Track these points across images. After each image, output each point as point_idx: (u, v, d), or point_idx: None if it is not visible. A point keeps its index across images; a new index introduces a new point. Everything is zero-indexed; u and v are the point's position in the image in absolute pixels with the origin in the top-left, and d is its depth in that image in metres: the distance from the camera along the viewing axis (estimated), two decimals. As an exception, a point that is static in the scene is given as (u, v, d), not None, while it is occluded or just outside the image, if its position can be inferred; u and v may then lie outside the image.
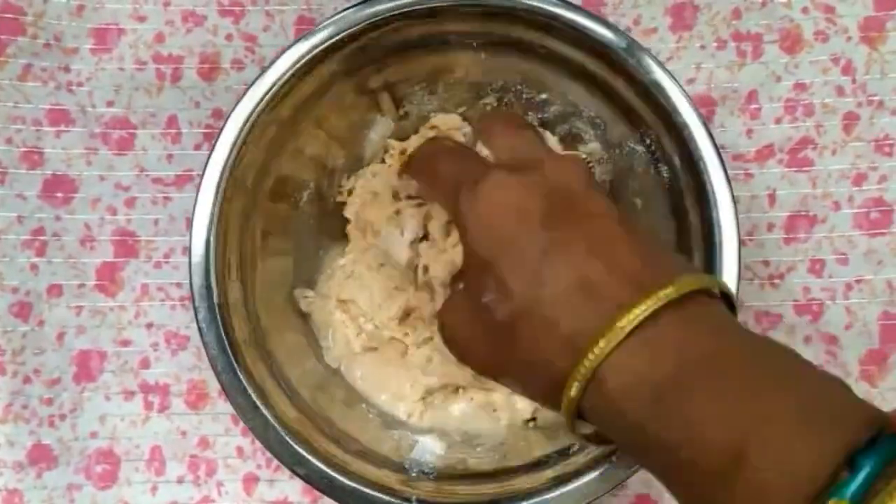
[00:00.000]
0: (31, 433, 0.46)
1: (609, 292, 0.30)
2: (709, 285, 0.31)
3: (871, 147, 0.47)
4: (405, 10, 0.40)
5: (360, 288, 0.45)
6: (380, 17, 0.40)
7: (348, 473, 0.39)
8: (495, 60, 0.43)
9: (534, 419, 0.44)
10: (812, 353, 0.46)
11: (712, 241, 0.39)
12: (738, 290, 0.38)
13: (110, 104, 0.48)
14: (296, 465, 0.39)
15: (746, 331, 0.31)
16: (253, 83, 0.40)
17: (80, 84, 0.48)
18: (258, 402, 0.39)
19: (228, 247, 0.40)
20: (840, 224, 0.47)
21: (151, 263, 0.47)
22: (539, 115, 0.45)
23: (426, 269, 0.42)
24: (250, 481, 0.47)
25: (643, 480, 0.45)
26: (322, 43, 0.40)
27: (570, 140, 0.46)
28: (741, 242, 0.39)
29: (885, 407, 0.45)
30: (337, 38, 0.40)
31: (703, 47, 0.47)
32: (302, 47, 0.40)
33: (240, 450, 0.47)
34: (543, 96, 0.44)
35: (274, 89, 0.40)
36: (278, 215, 0.44)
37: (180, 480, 0.47)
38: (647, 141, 0.41)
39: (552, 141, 0.45)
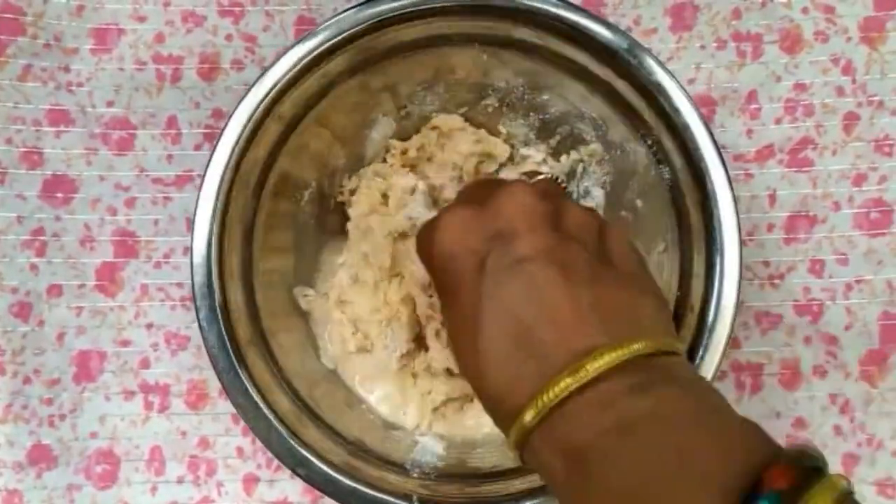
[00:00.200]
0: (31, 433, 0.46)
1: (541, 353, 0.30)
2: (634, 353, 0.30)
3: (871, 147, 0.47)
4: (406, 10, 0.40)
5: (358, 294, 0.45)
6: (381, 18, 0.40)
7: (349, 474, 0.39)
8: (496, 61, 0.43)
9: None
10: (812, 354, 0.46)
11: (713, 242, 0.39)
12: (739, 289, 0.38)
13: (110, 104, 0.48)
14: (297, 466, 0.39)
15: (659, 386, 0.29)
16: (254, 84, 0.40)
17: (79, 84, 0.48)
18: (259, 402, 0.39)
19: (230, 246, 0.40)
20: (840, 224, 0.47)
21: (151, 264, 0.47)
22: (540, 116, 0.45)
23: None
24: (250, 481, 0.47)
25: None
26: (323, 44, 0.40)
27: (571, 141, 0.46)
28: (742, 242, 0.39)
29: (886, 407, 0.46)
30: (337, 38, 0.40)
31: (703, 47, 0.47)
32: (303, 48, 0.40)
33: (240, 450, 0.47)
34: (544, 97, 0.44)
35: (275, 90, 0.40)
36: (279, 215, 0.44)
37: (180, 481, 0.47)
38: (648, 141, 0.41)
39: (536, 153, 0.46)
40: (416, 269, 0.43)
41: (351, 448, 0.41)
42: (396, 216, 0.45)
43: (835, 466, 0.46)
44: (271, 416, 0.39)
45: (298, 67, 0.40)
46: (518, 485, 0.40)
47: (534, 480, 0.39)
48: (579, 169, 0.46)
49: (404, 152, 0.46)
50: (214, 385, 0.46)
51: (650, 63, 0.39)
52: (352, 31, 0.40)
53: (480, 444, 0.44)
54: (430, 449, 0.43)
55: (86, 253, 0.47)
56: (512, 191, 0.33)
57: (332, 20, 0.40)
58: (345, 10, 0.40)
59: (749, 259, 0.46)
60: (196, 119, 0.48)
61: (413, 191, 0.45)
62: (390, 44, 0.41)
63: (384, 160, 0.46)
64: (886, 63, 0.47)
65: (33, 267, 0.47)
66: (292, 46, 0.40)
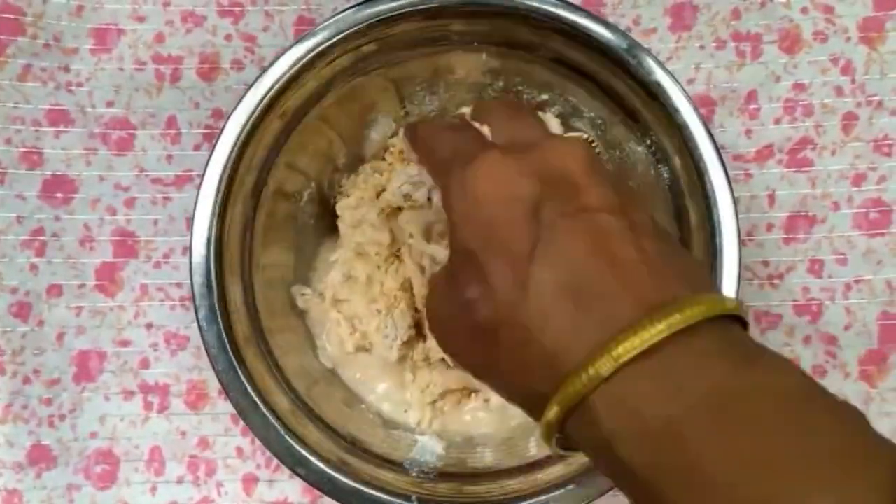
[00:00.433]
0: (31, 433, 0.46)
1: (606, 306, 0.26)
2: (725, 310, 0.26)
3: (870, 147, 0.47)
4: (406, 10, 0.40)
5: (352, 292, 0.45)
6: (380, 18, 0.40)
7: (348, 473, 0.39)
8: (496, 60, 0.43)
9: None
10: (811, 354, 0.46)
11: (712, 242, 0.39)
12: (738, 290, 0.38)
13: (110, 104, 0.48)
14: (296, 465, 0.39)
15: (762, 357, 0.26)
16: (253, 83, 0.40)
17: (79, 84, 0.48)
18: (259, 402, 0.39)
19: (229, 246, 0.40)
20: (839, 224, 0.47)
21: (151, 264, 0.47)
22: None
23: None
24: (250, 481, 0.47)
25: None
26: (322, 43, 0.40)
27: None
28: (741, 242, 0.39)
29: (885, 407, 0.46)
30: (337, 38, 0.40)
31: (702, 47, 0.47)
32: (302, 48, 0.40)
33: (239, 450, 0.47)
34: (544, 97, 0.44)
35: (275, 90, 0.40)
36: (279, 215, 0.44)
37: (180, 481, 0.47)
38: (648, 141, 0.41)
39: (554, 124, 0.44)
40: (414, 242, 0.42)
41: (350, 447, 0.41)
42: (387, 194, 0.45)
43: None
44: (270, 416, 0.39)
45: (298, 67, 0.40)
46: (518, 484, 0.40)
47: (535, 480, 0.39)
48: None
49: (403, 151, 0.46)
50: (214, 385, 0.46)
51: (649, 63, 0.39)
52: (351, 30, 0.40)
53: (480, 444, 0.44)
54: (430, 448, 0.43)
55: (85, 253, 0.47)
56: (564, 141, 0.31)
57: (332, 20, 0.40)
58: (344, 10, 0.40)
59: (748, 259, 0.46)
60: (196, 119, 0.48)
61: (414, 182, 0.45)
62: (390, 44, 0.41)
63: (383, 158, 0.47)
64: (886, 63, 0.47)
65: (33, 267, 0.47)
66: (292, 46, 0.40)
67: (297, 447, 0.39)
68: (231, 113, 0.40)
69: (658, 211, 0.42)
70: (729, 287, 0.38)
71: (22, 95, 0.47)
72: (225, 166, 0.40)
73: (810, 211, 0.47)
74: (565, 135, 0.37)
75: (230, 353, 0.39)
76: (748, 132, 0.47)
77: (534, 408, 0.28)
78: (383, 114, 0.45)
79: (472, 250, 0.29)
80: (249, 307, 0.41)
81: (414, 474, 0.41)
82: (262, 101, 0.40)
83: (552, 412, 0.26)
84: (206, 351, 0.39)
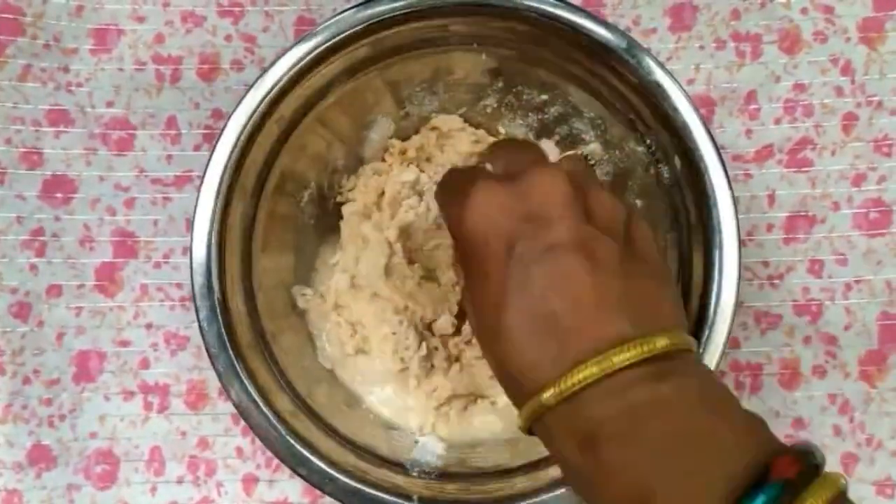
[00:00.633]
0: (31, 433, 0.46)
1: (561, 341, 0.30)
2: (652, 352, 0.30)
3: (870, 147, 0.47)
4: (405, 10, 0.40)
5: (356, 300, 0.45)
6: (380, 18, 0.40)
7: (349, 473, 0.39)
8: (495, 61, 0.43)
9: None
10: (811, 354, 0.46)
11: (712, 242, 0.39)
12: (738, 289, 0.38)
13: (110, 105, 0.48)
14: (297, 465, 0.39)
15: (672, 374, 0.30)
16: (253, 84, 0.40)
17: (79, 84, 0.48)
18: (259, 402, 0.39)
19: (229, 247, 0.40)
20: (839, 224, 0.47)
21: (151, 264, 0.47)
22: (539, 116, 0.45)
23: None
24: (250, 481, 0.47)
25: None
26: (322, 44, 0.40)
27: (571, 141, 0.46)
28: (741, 243, 0.39)
29: (885, 407, 0.46)
30: (337, 39, 0.40)
31: (702, 48, 0.47)
32: (302, 48, 0.40)
33: (239, 450, 0.47)
34: (544, 97, 0.44)
35: (275, 90, 0.40)
36: (279, 215, 0.44)
37: (180, 481, 0.47)
38: (648, 141, 0.41)
39: (552, 152, 0.45)
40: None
41: (351, 447, 0.41)
42: (392, 217, 0.45)
43: (834, 466, 0.46)
44: (271, 416, 0.39)
45: (298, 68, 0.40)
46: (518, 484, 0.40)
47: (538, 478, 0.39)
48: (579, 169, 0.46)
49: (403, 152, 0.46)
50: (214, 385, 0.46)
51: (649, 63, 0.39)
52: (351, 31, 0.40)
53: (481, 444, 0.44)
54: (431, 449, 0.43)
55: (85, 253, 0.47)
56: (546, 173, 0.33)
57: (332, 20, 0.40)
58: (344, 11, 0.40)
59: (748, 259, 0.46)
60: (196, 119, 0.48)
61: (414, 185, 0.45)
62: (389, 44, 0.41)
63: (383, 160, 0.47)
64: (885, 63, 0.47)
65: (33, 267, 0.47)
66: (292, 47, 0.40)
67: (298, 447, 0.39)
68: (231, 113, 0.40)
69: (657, 211, 0.42)
70: (729, 287, 0.38)
71: (22, 96, 0.47)
72: (225, 167, 0.40)
73: (810, 211, 0.47)
74: (553, 162, 0.38)
75: (231, 353, 0.39)
76: (748, 132, 0.47)
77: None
78: (383, 114, 0.45)
79: (466, 281, 0.34)
80: (250, 308, 0.41)
81: (415, 474, 0.41)
82: (262, 101, 0.40)
83: (520, 420, 0.32)
84: (207, 351, 0.39)
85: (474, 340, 0.44)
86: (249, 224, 0.42)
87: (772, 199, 0.47)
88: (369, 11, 0.40)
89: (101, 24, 0.48)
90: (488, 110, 0.46)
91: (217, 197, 0.39)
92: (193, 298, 0.39)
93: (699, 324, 0.38)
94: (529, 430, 0.32)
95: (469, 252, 0.33)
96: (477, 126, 0.47)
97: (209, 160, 0.40)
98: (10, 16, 0.47)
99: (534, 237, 0.32)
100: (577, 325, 0.30)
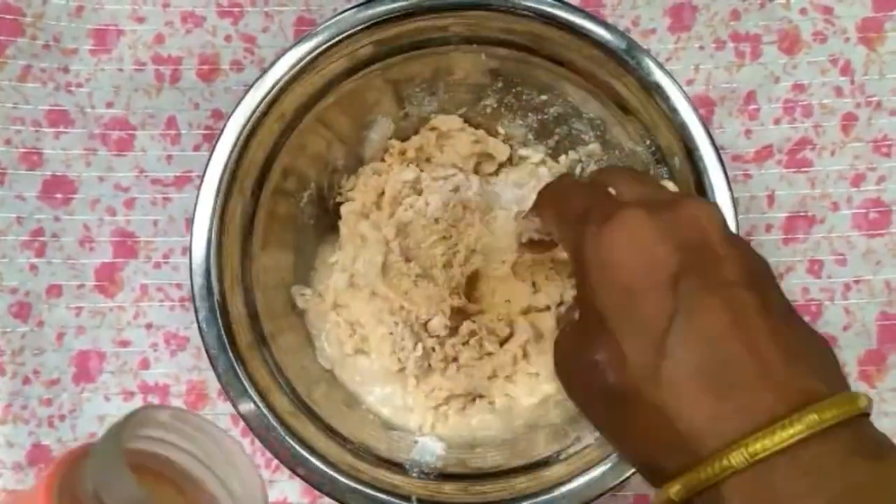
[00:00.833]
0: (31, 434, 0.46)
1: (743, 397, 0.26)
2: (858, 411, 0.27)
3: (869, 148, 0.47)
4: (405, 11, 0.40)
5: (355, 299, 0.45)
6: (380, 19, 0.40)
7: (348, 473, 0.39)
8: (495, 61, 0.43)
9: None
10: (811, 354, 0.46)
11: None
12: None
13: (109, 105, 0.48)
14: (296, 465, 0.39)
15: (891, 450, 0.27)
16: (253, 84, 0.40)
17: (79, 85, 0.48)
18: (259, 403, 0.39)
19: (229, 247, 0.40)
20: (839, 225, 0.47)
21: (151, 264, 0.47)
22: (539, 117, 0.46)
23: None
24: (250, 482, 0.47)
25: (644, 481, 0.45)
26: (322, 44, 0.40)
27: (570, 141, 0.46)
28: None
29: (884, 407, 0.46)
30: (337, 39, 0.40)
31: (701, 48, 0.47)
32: (302, 49, 0.40)
33: (239, 450, 0.47)
34: (543, 97, 0.44)
35: (274, 91, 0.40)
36: (278, 216, 0.44)
37: (180, 481, 0.46)
38: (647, 142, 0.41)
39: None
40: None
41: (350, 448, 0.41)
42: (391, 216, 0.45)
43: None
44: (271, 417, 0.39)
45: (298, 68, 0.40)
46: (518, 485, 0.40)
47: (538, 479, 0.39)
48: (578, 169, 0.46)
49: (403, 152, 0.46)
50: (213, 385, 0.46)
51: (648, 63, 0.40)
52: (351, 31, 0.40)
53: (481, 445, 0.44)
54: (430, 449, 0.43)
55: (85, 253, 0.47)
56: (702, 206, 0.30)
57: (332, 21, 0.40)
58: (344, 11, 0.40)
59: (748, 259, 0.46)
60: (195, 120, 0.48)
61: (414, 184, 0.45)
62: (389, 45, 0.42)
63: (382, 160, 0.47)
64: (885, 64, 0.47)
65: (33, 267, 0.47)
66: (292, 47, 0.40)
67: (298, 447, 0.39)
68: (231, 114, 0.40)
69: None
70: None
71: (22, 96, 0.47)
72: (225, 167, 0.40)
73: (809, 211, 0.47)
74: (699, 197, 0.36)
75: (230, 353, 0.39)
76: (747, 133, 0.47)
77: (650, 474, 0.29)
78: (383, 115, 0.45)
79: (605, 312, 0.29)
80: (249, 308, 0.41)
81: (414, 475, 0.41)
82: (261, 102, 0.40)
83: (674, 490, 0.27)
84: (207, 352, 0.39)
85: (472, 341, 0.44)
86: (249, 224, 0.42)
87: (771, 199, 0.47)
88: (369, 12, 0.40)
89: (100, 25, 0.48)
90: (488, 110, 0.46)
91: (217, 197, 0.39)
92: (193, 299, 0.39)
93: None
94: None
95: (611, 282, 0.29)
96: (477, 126, 0.47)
97: (209, 160, 0.40)
98: (10, 16, 0.47)
99: (704, 271, 0.28)
100: (758, 378, 0.26)
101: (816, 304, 0.46)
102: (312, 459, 0.39)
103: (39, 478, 0.22)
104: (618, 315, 0.29)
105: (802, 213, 0.47)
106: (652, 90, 0.40)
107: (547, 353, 0.42)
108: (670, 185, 0.39)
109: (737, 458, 0.25)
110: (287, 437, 0.39)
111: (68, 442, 0.46)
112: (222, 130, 0.40)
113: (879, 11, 0.47)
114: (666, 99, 0.39)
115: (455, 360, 0.44)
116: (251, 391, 0.39)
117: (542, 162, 0.47)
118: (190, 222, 0.40)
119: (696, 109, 0.39)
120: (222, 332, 0.39)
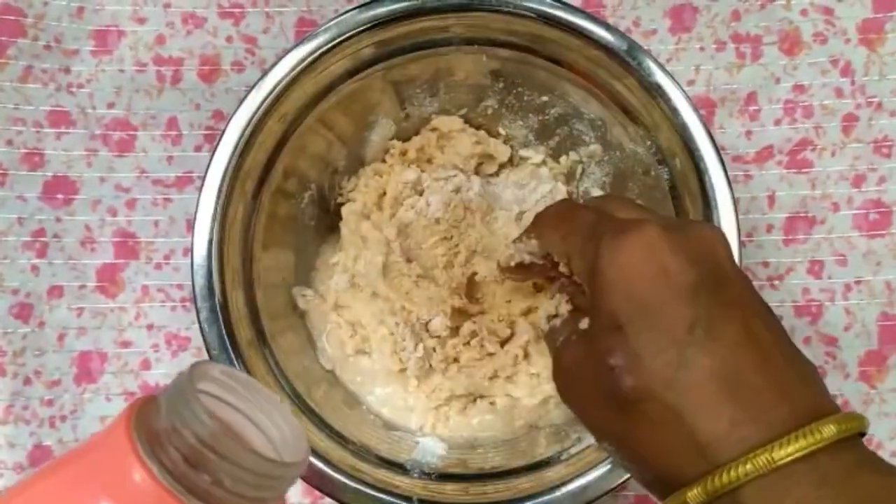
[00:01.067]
0: (32, 434, 0.46)
1: (762, 405, 0.27)
2: (864, 426, 0.28)
3: (869, 148, 0.47)
4: (406, 12, 0.40)
5: (355, 299, 0.45)
6: (381, 20, 0.40)
7: (349, 474, 0.39)
8: (496, 62, 0.43)
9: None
10: (811, 354, 0.46)
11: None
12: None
13: (111, 106, 0.48)
14: (297, 466, 0.39)
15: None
16: (254, 85, 0.40)
17: (80, 86, 0.48)
18: (260, 403, 0.39)
19: (230, 248, 0.40)
20: (839, 225, 0.47)
21: (152, 265, 0.47)
22: (539, 117, 0.46)
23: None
24: (251, 482, 0.47)
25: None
26: (323, 45, 0.40)
27: (571, 142, 0.46)
28: (741, 243, 0.39)
29: (884, 408, 0.46)
30: (338, 40, 0.40)
31: (702, 49, 0.47)
32: (303, 49, 0.40)
33: (240, 451, 0.47)
34: (544, 98, 0.44)
35: (275, 92, 0.40)
36: (279, 216, 0.44)
37: (181, 481, 0.46)
38: (648, 142, 0.41)
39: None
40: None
41: (351, 448, 0.41)
42: (392, 217, 0.45)
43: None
44: (271, 417, 0.39)
45: (299, 69, 0.40)
46: (519, 485, 0.40)
47: (538, 480, 0.39)
48: (579, 170, 0.46)
49: (404, 153, 0.46)
50: (215, 386, 0.46)
51: (649, 64, 0.40)
52: (352, 33, 0.40)
53: (482, 445, 0.44)
54: (431, 449, 0.43)
55: (86, 254, 0.47)
56: (713, 228, 0.31)
57: (333, 22, 0.40)
58: (345, 12, 0.40)
59: (748, 260, 0.47)
60: (196, 120, 0.48)
61: (415, 184, 0.45)
62: (390, 46, 0.42)
63: (383, 160, 0.47)
64: (885, 64, 0.47)
65: (34, 268, 0.47)
66: (293, 48, 0.40)
67: (298, 448, 0.39)
68: (232, 115, 0.40)
69: (657, 212, 0.42)
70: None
71: (23, 97, 0.47)
72: (226, 168, 0.40)
73: (810, 212, 0.47)
74: (705, 222, 0.37)
75: (231, 354, 0.39)
76: (748, 133, 0.47)
77: (659, 482, 0.29)
78: (383, 116, 0.46)
79: (621, 319, 0.30)
80: (250, 309, 0.41)
81: (415, 475, 0.41)
82: (263, 102, 0.40)
83: (693, 494, 0.28)
84: (208, 352, 0.39)
85: (473, 342, 0.44)
86: (250, 225, 0.42)
87: (772, 200, 0.47)
88: (370, 13, 0.40)
89: (101, 26, 0.48)
90: (489, 111, 0.46)
91: (218, 198, 0.39)
92: (194, 300, 0.39)
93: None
94: None
95: (629, 290, 0.30)
96: (477, 127, 0.47)
97: (210, 161, 0.40)
98: (12, 17, 0.47)
99: (719, 289, 0.29)
100: (771, 392, 0.27)
101: (817, 304, 0.46)
102: (313, 460, 0.39)
103: (116, 417, 0.24)
104: (635, 322, 0.29)
105: (803, 214, 0.47)
106: (653, 91, 0.40)
107: (548, 354, 0.42)
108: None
109: (759, 463, 0.26)
110: (288, 438, 0.39)
111: (69, 443, 0.46)
112: (223, 131, 0.40)
113: (880, 12, 0.47)
114: (667, 100, 0.39)
115: (456, 360, 0.44)
116: (252, 392, 0.39)
117: (543, 163, 0.47)
118: (191, 223, 0.40)
119: (696, 110, 0.39)
120: (223, 333, 0.39)
